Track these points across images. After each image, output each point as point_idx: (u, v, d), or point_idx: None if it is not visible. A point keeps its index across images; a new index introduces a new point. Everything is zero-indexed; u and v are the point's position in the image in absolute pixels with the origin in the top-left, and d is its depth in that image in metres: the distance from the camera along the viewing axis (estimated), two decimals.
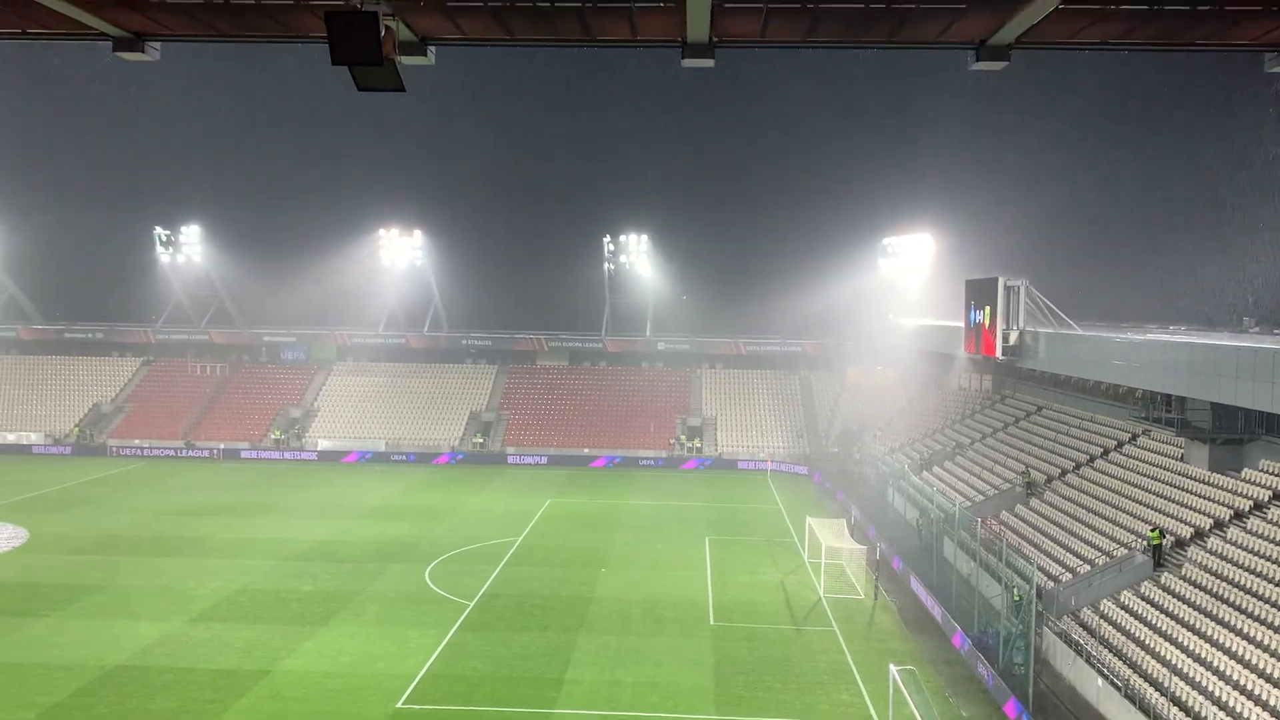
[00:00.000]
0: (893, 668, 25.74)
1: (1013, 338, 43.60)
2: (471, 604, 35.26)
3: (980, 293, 46.32)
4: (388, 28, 11.37)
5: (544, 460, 69.91)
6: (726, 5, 12.26)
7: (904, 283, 67.34)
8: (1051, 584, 32.68)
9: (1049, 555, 35.37)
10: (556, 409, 76.10)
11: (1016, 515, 40.84)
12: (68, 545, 43.15)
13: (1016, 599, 29.28)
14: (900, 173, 75.31)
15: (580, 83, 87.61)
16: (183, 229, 77.79)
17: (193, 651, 29.75)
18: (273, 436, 72.31)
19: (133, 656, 29.14)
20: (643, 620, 33.89)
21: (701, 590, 37.77)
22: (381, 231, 77.48)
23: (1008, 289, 43.72)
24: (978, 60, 13.34)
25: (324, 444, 71.15)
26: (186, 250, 77.99)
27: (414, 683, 27.58)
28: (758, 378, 79.06)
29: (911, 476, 50.26)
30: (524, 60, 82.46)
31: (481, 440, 72.32)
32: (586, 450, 70.57)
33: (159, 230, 77.72)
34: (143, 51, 12.61)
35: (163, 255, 78.26)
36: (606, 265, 79.04)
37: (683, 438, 72.02)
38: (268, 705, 25.75)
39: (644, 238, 78.21)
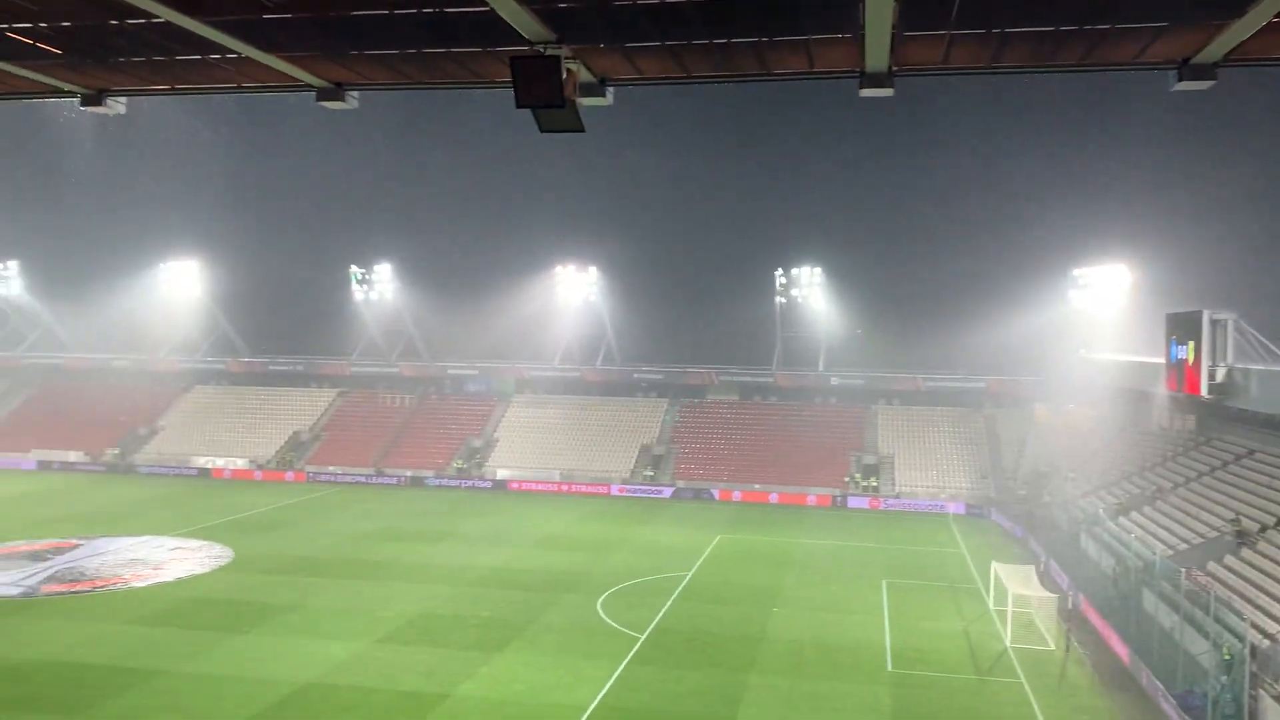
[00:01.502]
0: None
1: (1220, 375, 40.55)
2: (643, 637, 35.30)
3: (1183, 327, 43.32)
4: (569, 70, 11.66)
5: (714, 495, 69.64)
6: (907, 34, 11.94)
7: (1097, 316, 63.80)
8: (1267, 642, 29.87)
9: (1263, 610, 32.37)
10: (726, 444, 75.82)
11: (1225, 566, 37.64)
12: (267, 565, 45.93)
13: (1227, 657, 26.92)
14: (1092, 199, 71.68)
15: (753, 116, 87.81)
16: (375, 268, 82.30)
17: (377, 672, 30.97)
18: (455, 465, 75.09)
19: (322, 675, 30.57)
20: (817, 663, 33.04)
21: (878, 634, 36.54)
22: (558, 268, 79.70)
23: (1214, 323, 40.72)
24: (1180, 80, 12.49)
25: (502, 473, 73.31)
26: (379, 288, 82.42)
27: (586, 714, 27.75)
28: (938, 415, 76.43)
29: (1107, 522, 47.20)
30: (696, 94, 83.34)
31: (651, 473, 72.80)
32: (757, 486, 69.90)
33: (354, 269, 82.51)
34: (343, 100, 13.42)
35: (357, 293, 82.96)
36: (778, 299, 78.49)
37: (857, 476, 70.31)
38: None
39: (817, 270, 77.30)
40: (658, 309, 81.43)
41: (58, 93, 14.43)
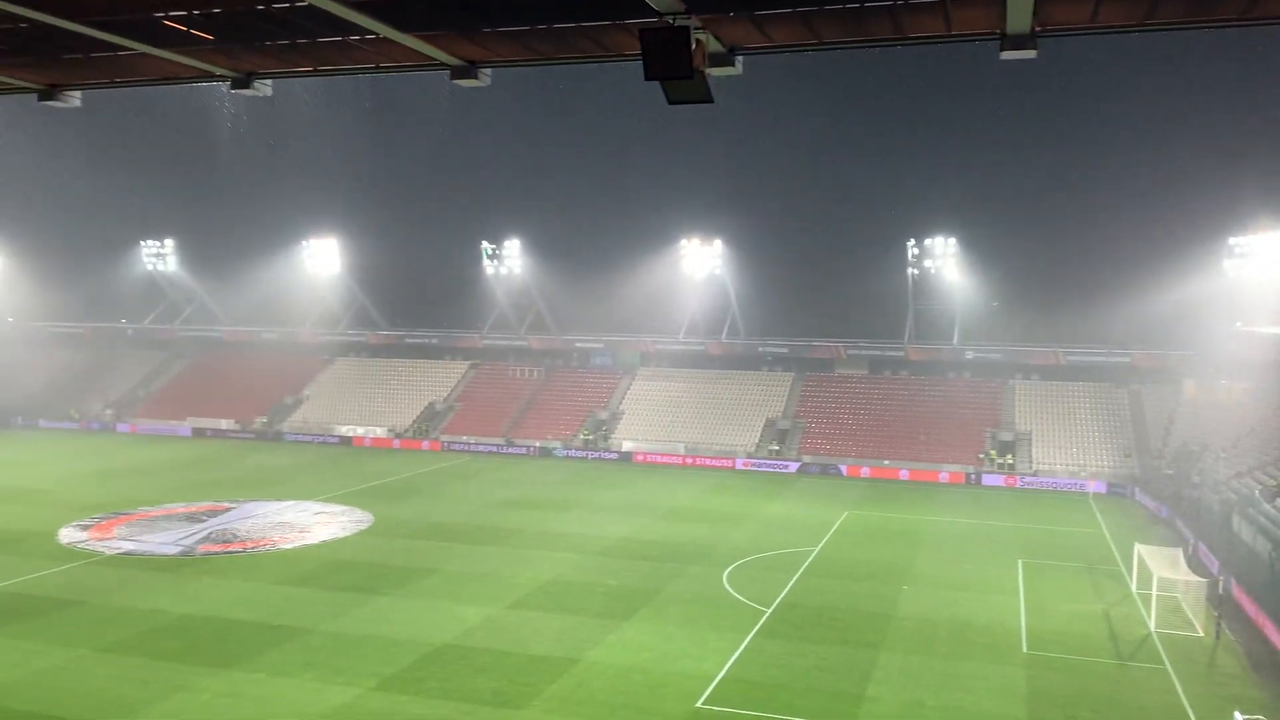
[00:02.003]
0: (1238, 715, 22.89)
1: None
2: (769, 611, 35.24)
3: None
4: (698, 41, 11.56)
5: (841, 471, 68.76)
6: None
7: (1256, 287, 60.03)
8: None
9: None
10: (855, 419, 74.69)
11: None
12: (405, 530, 47.71)
13: None
14: (1253, 163, 67.10)
15: (885, 81, 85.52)
16: (505, 243, 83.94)
17: (510, 636, 31.86)
18: (582, 437, 76.25)
19: (457, 637, 31.63)
20: (948, 642, 32.36)
21: (1014, 615, 35.53)
22: (683, 242, 79.65)
23: None
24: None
25: (628, 445, 74.09)
26: (509, 263, 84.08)
27: (712, 684, 27.93)
28: (1078, 390, 73.42)
29: (1264, 504, 44.56)
30: (825, 60, 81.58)
31: (777, 448, 72.35)
32: (886, 462, 68.68)
33: (485, 244, 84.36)
34: (476, 78, 13.66)
35: (488, 268, 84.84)
36: (910, 270, 76.59)
37: (992, 453, 68.26)
38: (576, 693, 27.04)
39: (951, 240, 75.06)
40: (784, 282, 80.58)
41: (209, 77, 15.15)
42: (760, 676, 28.75)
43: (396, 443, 78.80)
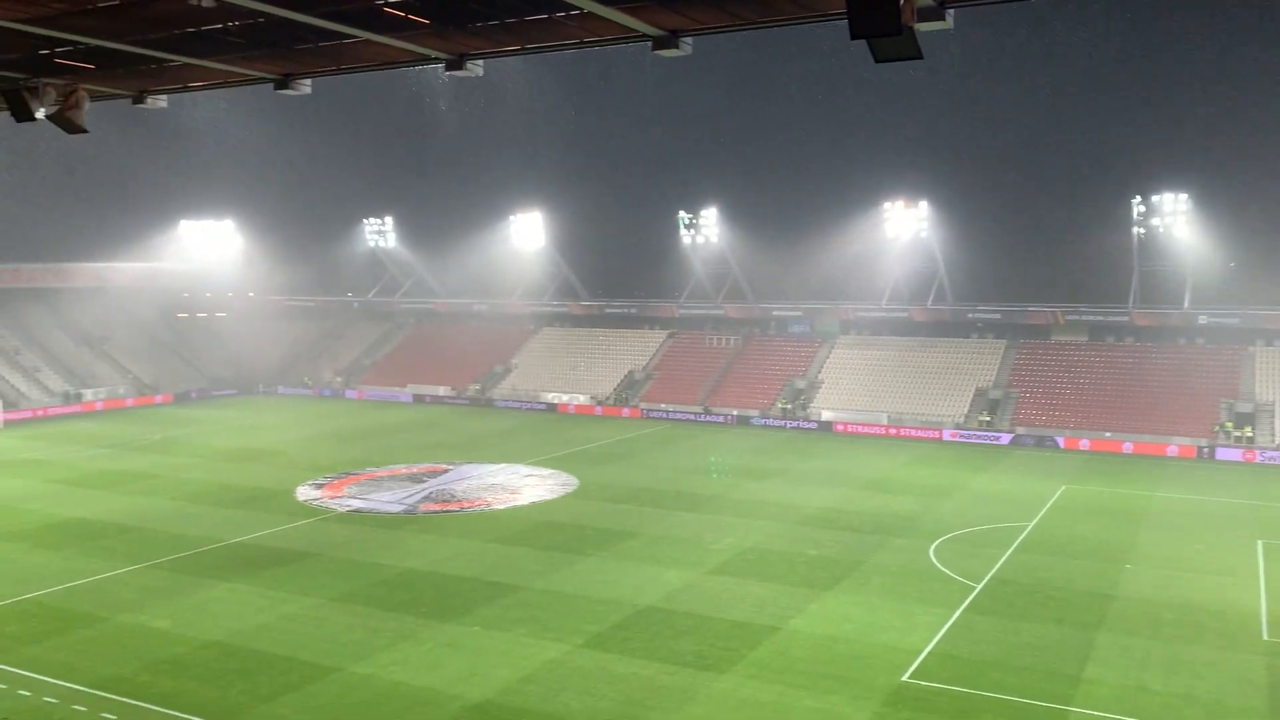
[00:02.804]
0: None
1: None
2: (979, 587, 34.04)
3: None
4: None
5: (1058, 443, 65.30)
6: None
7: None
8: None
9: None
10: (1073, 388, 70.65)
11: None
12: (609, 494, 49.03)
13: None
14: None
15: (1107, 24, 79.57)
16: (702, 212, 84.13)
17: (710, 601, 32.25)
18: (779, 406, 75.82)
19: (660, 599, 32.29)
20: (1176, 625, 30.30)
21: (1252, 599, 32.84)
22: (885, 205, 77.33)
23: None
24: None
25: (827, 414, 73.08)
26: (705, 232, 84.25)
27: (919, 658, 27.32)
28: None
29: None
30: (1037, 7, 76.71)
31: (988, 419, 69.47)
32: (1108, 434, 64.65)
33: (682, 214, 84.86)
34: (678, 47, 13.68)
35: (685, 237, 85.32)
36: (1135, 230, 71.36)
37: (1228, 425, 63.01)
38: (778, 660, 27.10)
39: (1182, 197, 69.36)
40: (995, 244, 76.87)
41: (425, 60, 15.88)
42: (970, 653, 27.88)
43: (598, 409, 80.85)
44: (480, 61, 15.37)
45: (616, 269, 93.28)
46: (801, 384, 78.53)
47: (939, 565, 36.72)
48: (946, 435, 68.39)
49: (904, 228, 76.97)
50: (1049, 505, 47.45)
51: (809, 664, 26.89)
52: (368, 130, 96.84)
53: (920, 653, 27.74)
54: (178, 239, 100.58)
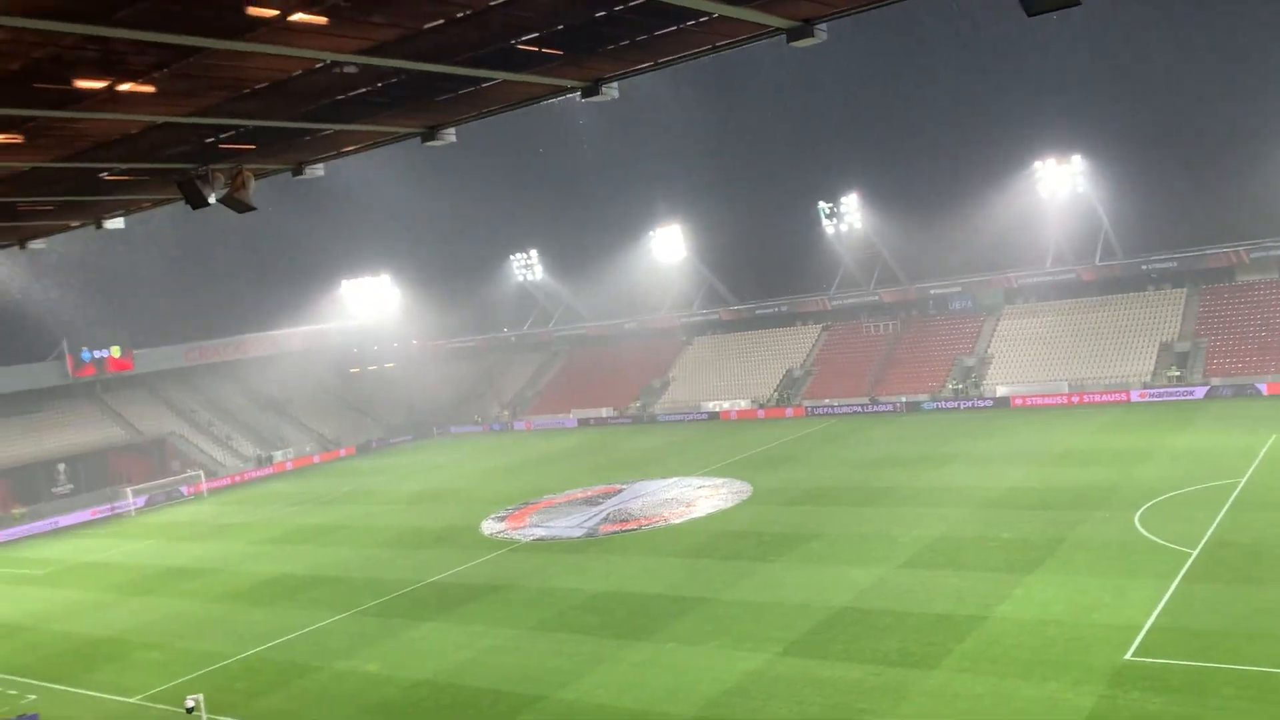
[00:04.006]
0: None
1: None
2: (1194, 553, 31.80)
3: None
4: None
5: (1259, 390, 60.70)
6: None
7: None
8: None
9: None
10: (1269, 329, 65.56)
11: None
12: (784, 497, 48.41)
13: None
14: None
15: None
16: (842, 199, 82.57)
17: (907, 596, 31.27)
18: (950, 387, 73.35)
19: (854, 599, 31.53)
20: None
21: None
22: (1036, 164, 73.97)
23: None
24: None
25: (1002, 390, 70.23)
26: (848, 219, 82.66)
27: (1140, 635, 25.67)
28: None
29: None
30: None
31: (1177, 373, 65.24)
32: None
33: (822, 204, 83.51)
34: (813, 35, 13.34)
35: (828, 227, 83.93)
36: None
37: None
38: (989, 650, 25.98)
39: None
40: (1161, 188, 71.98)
41: (561, 90, 16.04)
42: (1195, 624, 26.06)
43: (761, 413, 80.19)
44: (615, 84, 15.41)
45: (761, 270, 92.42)
46: (971, 361, 75.79)
47: (1147, 534, 34.54)
48: (1134, 396, 64.57)
49: (1059, 185, 73.48)
50: (1260, 458, 44.05)
51: (1022, 651, 25.67)
52: (504, 169, 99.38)
53: (1141, 628, 26.08)
54: (340, 299, 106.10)
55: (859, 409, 75.32)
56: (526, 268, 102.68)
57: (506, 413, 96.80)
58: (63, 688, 32.99)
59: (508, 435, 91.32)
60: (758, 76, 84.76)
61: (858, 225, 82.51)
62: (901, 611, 29.81)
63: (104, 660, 35.74)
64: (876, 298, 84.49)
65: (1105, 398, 65.30)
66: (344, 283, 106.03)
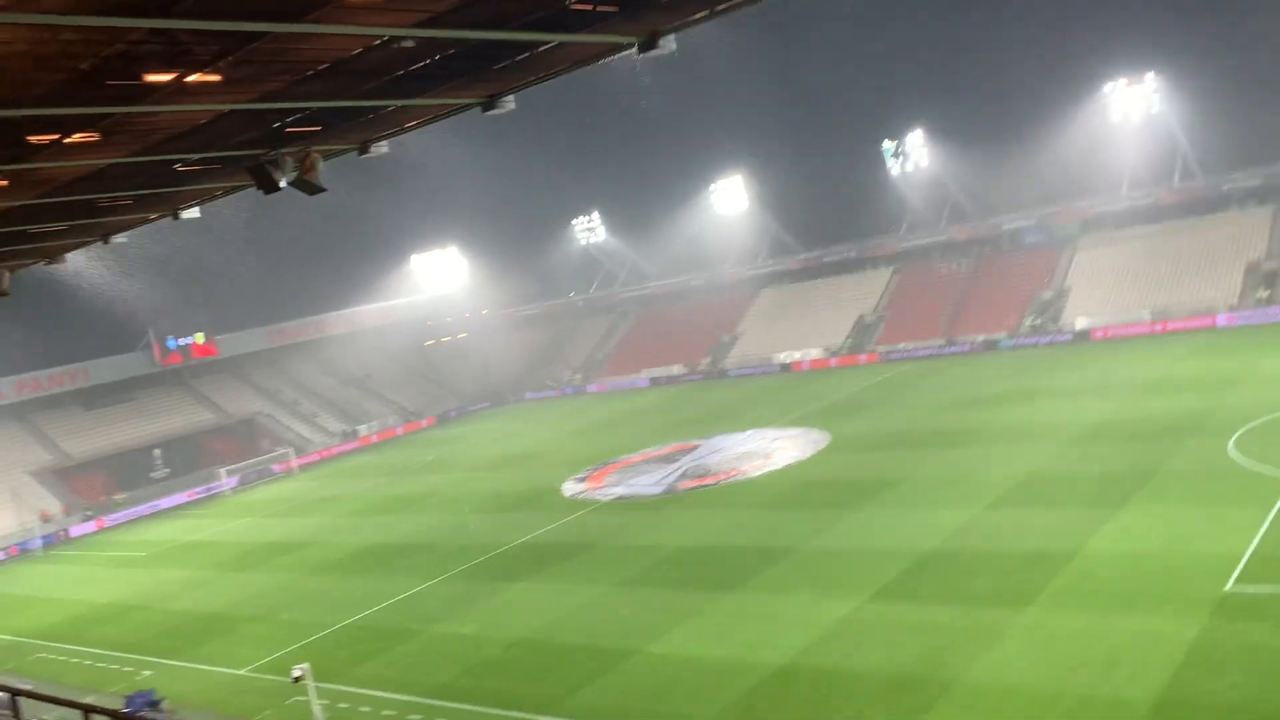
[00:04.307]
0: None
1: None
2: None
3: None
4: None
5: None
6: None
7: None
8: None
9: None
10: None
11: None
12: (863, 444, 48.06)
13: None
14: None
15: None
16: (906, 137, 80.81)
17: (996, 536, 30.92)
18: (1028, 323, 71.78)
19: (941, 542, 31.26)
20: None
21: None
22: (1106, 86, 71.46)
23: None
24: None
25: (1082, 322, 68.47)
26: (913, 157, 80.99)
27: (1241, 563, 25.03)
28: None
29: None
30: None
31: (1267, 293, 62.89)
32: None
33: (886, 144, 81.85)
34: None
35: (893, 167, 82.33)
36: None
37: None
38: (1083, 585, 25.60)
39: None
40: (1240, 103, 68.96)
41: (618, 48, 15.89)
42: None
43: (833, 361, 79.46)
44: (671, 36, 15.23)
45: (827, 216, 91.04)
46: (1048, 295, 73.99)
47: (1243, 461, 33.55)
48: (1221, 320, 62.46)
49: (1131, 107, 71.01)
50: None
51: (1118, 585, 25.26)
52: (562, 133, 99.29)
53: (1241, 557, 25.42)
54: (411, 273, 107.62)
55: (934, 351, 74.13)
56: (589, 230, 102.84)
57: (578, 376, 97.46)
58: (175, 663, 34.49)
59: (581, 398, 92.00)
60: (814, 18, 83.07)
61: (924, 163, 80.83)
62: (991, 552, 29.50)
63: (212, 635, 37.22)
64: (947, 236, 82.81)
65: (1191, 324, 63.23)
66: (413, 257, 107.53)
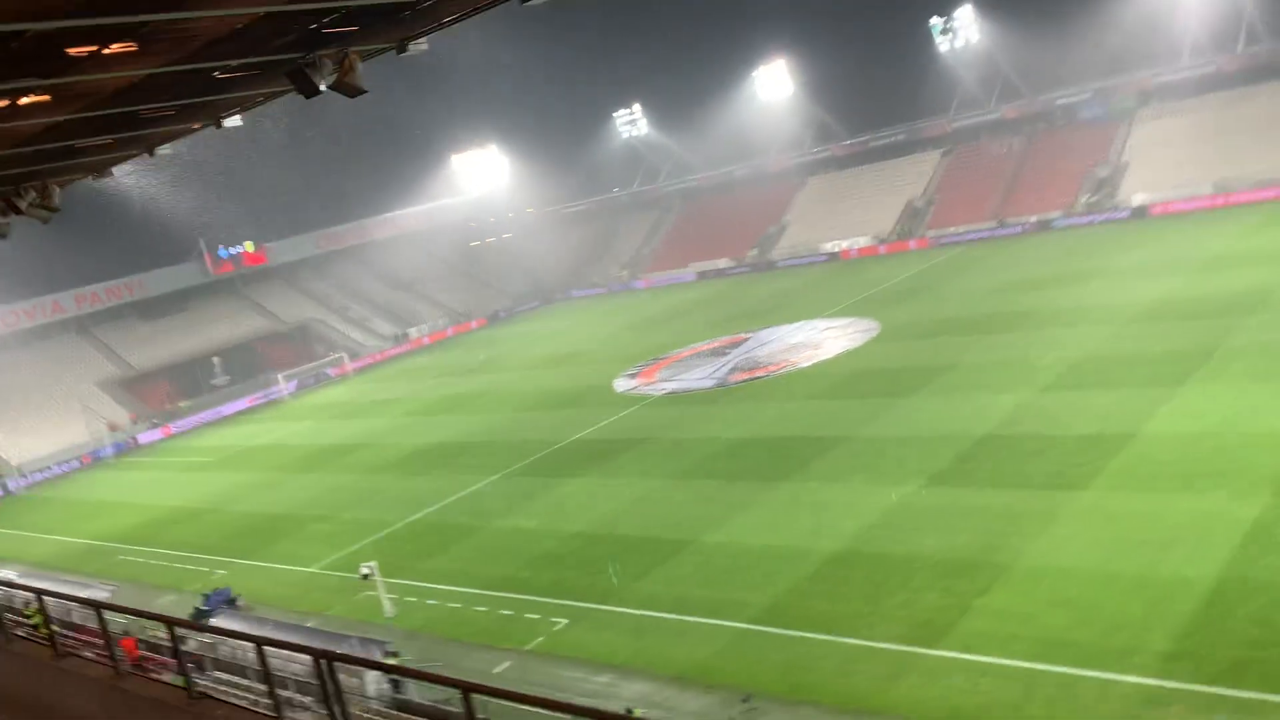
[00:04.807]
0: None
1: None
2: None
3: None
4: None
5: None
6: None
7: None
8: None
9: None
10: None
11: None
12: (914, 331, 47.59)
13: None
14: None
15: None
16: (955, 12, 77.74)
17: (1052, 419, 30.68)
18: (1083, 201, 69.84)
19: (996, 426, 31.12)
20: None
21: None
22: None
23: None
24: None
25: (1139, 198, 66.48)
26: (962, 33, 78.02)
27: None
28: None
29: None
30: None
31: None
32: None
33: (934, 20, 78.84)
34: None
35: (941, 44, 79.46)
36: None
37: None
38: (1141, 466, 25.41)
39: None
40: None
41: None
42: None
43: (882, 249, 78.23)
44: None
45: (874, 99, 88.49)
46: (1104, 172, 71.72)
47: None
48: None
49: None
50: None
51: (1177, 465, 25.04)
52: (600, 23, 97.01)
53: None
54: (452, 174, 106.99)
55: (986, 234, 72.60)
56: (631, 123, 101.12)
57: (625, 272, 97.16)
58: (247, 562, 35.83)
59: (628, 294, 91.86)
60: None
61: (974, 38, 77.91)
62: (1047, 435, 29.31)
63: (280, 535, 38.51)
64: (998, 114, 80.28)
65: (1255, 195, 60.99)
66: (453, 158, 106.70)
